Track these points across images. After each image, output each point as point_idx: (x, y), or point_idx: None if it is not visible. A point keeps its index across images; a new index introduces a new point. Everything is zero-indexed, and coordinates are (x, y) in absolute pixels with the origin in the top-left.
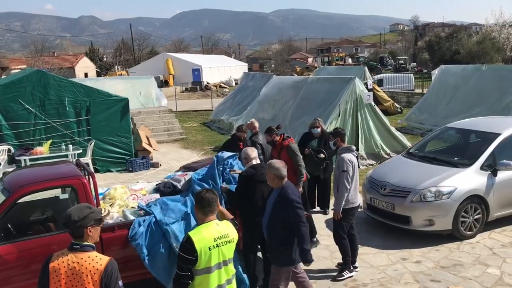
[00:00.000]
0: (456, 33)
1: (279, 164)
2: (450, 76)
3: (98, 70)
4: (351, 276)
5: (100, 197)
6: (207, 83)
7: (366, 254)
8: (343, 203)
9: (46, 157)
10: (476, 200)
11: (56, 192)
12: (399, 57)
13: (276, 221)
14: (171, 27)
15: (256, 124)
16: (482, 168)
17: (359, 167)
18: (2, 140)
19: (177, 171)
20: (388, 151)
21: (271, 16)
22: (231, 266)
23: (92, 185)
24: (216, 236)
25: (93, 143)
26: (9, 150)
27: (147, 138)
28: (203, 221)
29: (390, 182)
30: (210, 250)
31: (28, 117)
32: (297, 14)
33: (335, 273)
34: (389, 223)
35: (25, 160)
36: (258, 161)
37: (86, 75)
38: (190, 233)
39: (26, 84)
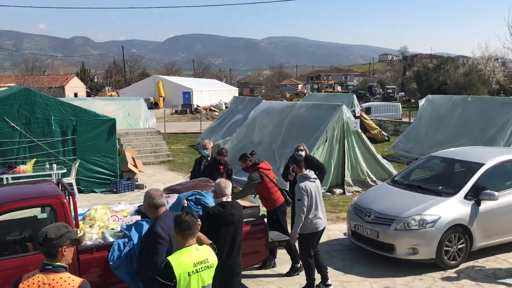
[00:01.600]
0: (444, 65)
1: (155, 193)
2: (436, 106)
3: (88, 90)
4: None
5: (80, 217)
6: (197, 106)
7: (349, 282)
8: (298, 230)
9: (29, 176)
10: (460, 230)
11: (35, 211)
12: (387, 86)
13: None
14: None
15: (209, 145)
16: (466, 197)
17: (331, 192)
18: None
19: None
20: (374, 178)
21: (263, 43)
22: None
23: (72, 206)
24: (196, 261)
25: (77, 163)
26: None
27: (133, 159)
28: (183, 245)
29: (374, 209)
30: (189, 275)
31: (13, 135)
32: (288, 41)
33: None
34: (374, 250)
35: (7, 178)
36: (230, 199)
37: (76, 95)
38: (169, 258)
39: (12, 102)
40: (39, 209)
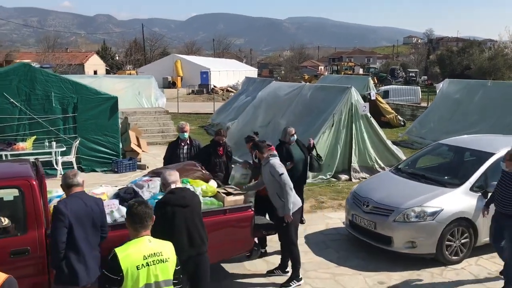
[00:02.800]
0: (468, 48)
1: (68, 173)
2: (454, 90)
3: (108, 68)
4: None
5: (57, 199)
6: (214, 86)
7: (341, 275)
8: (291, 206)
9: (29, 153)
10: (463, 223)
11: (3, 193)
12: (409, 70)
13: None
14: (186, 30)
15: (187, 128)
16: (472, 189)
17: (336, 179)
18: None
19: (145, 175)
20: (383, 165)
21: (285, 23)
22: None
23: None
24: (147, 254)
25: (78, 141)
26: None
27: (137, 138)
28: (135, 237)
29: (373, 198)
30: (138, 269)
31: (12, 111)
32: (311, 22)
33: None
34: (371, 242)
35: (6, 155)
36: (179, 185)
37: (95, 72)
38: (117, 249)
39: (12, 78)
40: (13, 190)
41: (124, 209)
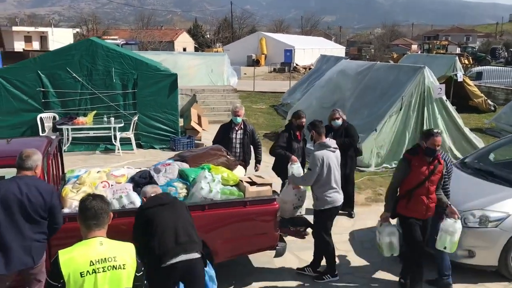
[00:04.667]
0: None
1: (20, 153)
2: None
3: (197, 46)
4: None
5: (74, 180)
6: (296, 64)
7: (377, 281)
8: (301, 186)
9: (89, 128)
10: None
11: (5, 171)
12: None
13: None
14: (277, 7)
15: (241, 112)
16: None
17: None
18: (48, 107)
19: (171, 158)
20: (459, 155)
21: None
22: None
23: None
24: (95, 259)
25: (136, 118)
26: (54, 118)
27: (199, 117)
28: (85, 237)
29: None
30: (82, 276)
31: (74, 86)
32: None
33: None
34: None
35: (67, 129)
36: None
37: (184, 49)
38: (60, 252)
39: (74, 53)
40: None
41: (134, 195)
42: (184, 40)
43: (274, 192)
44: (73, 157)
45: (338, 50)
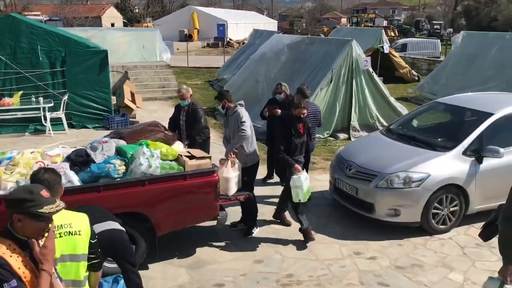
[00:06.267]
0: None
1: None
2: (470, 44)
3: (125, 21)
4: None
5: (7, 161)
6: (230, 39)
7: (316, 243)
8: (235, 147)
9: (16, 109)
10: (453, 190)
11: None
12: (434, 22)
13: None
14: None
15: (187, 94)
16: (465, 153)
17: (334, 137)
18: None
19: (107, 135)
20: (385, 123)
21: None
22: (76, 266)
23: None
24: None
25: (66, 96)
26: None
27: (132, 94)
28: None
29: (356, 162)
30: None
31: None
32: None
33: None
34: (352, 208)
35: None
36: None
37: (112, 25)
38: None
39: None
40: None
41: (71, 174)
42: (112, 15)
43: (213, 165)
44: (1, 140)
45: (271, 24)
